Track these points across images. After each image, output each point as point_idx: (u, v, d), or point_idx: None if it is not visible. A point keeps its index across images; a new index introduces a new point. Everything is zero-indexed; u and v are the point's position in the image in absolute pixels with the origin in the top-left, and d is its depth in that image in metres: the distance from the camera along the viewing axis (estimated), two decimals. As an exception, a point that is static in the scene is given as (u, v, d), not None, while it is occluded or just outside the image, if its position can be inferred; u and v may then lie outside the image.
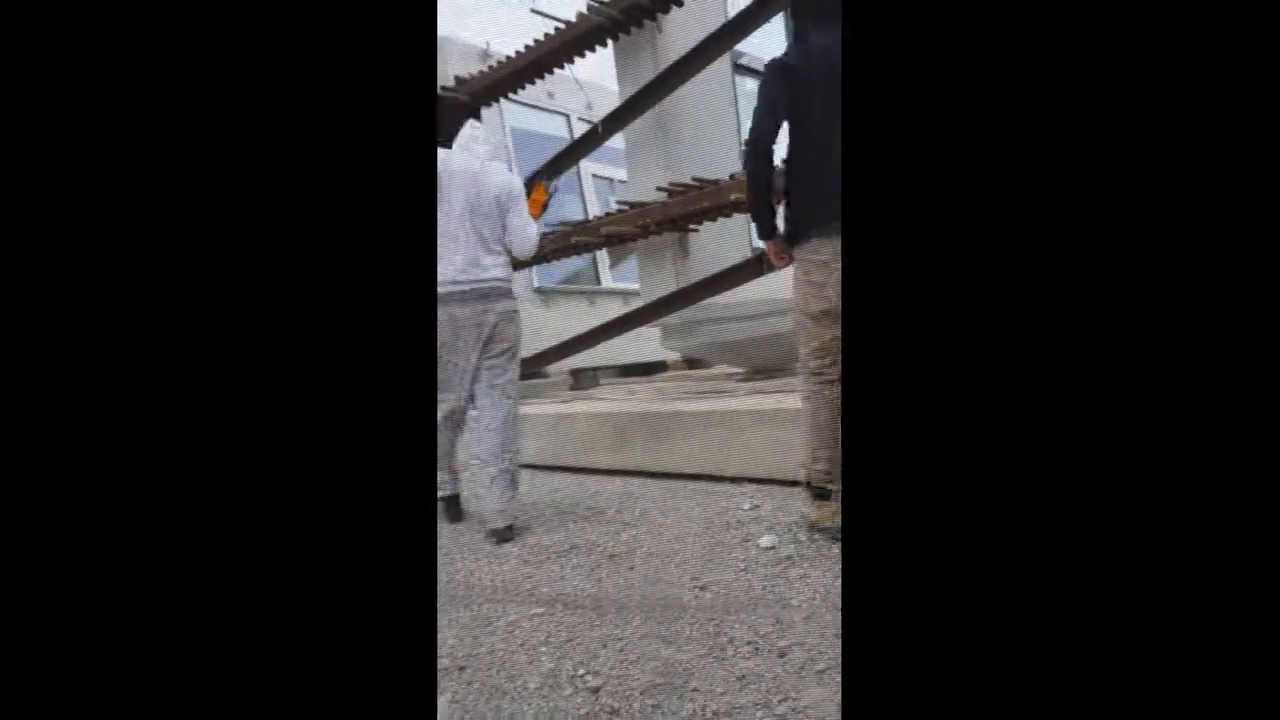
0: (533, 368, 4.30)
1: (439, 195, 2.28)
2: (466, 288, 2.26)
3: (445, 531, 2.48)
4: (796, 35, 1.92)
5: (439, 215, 2.26)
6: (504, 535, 2.26)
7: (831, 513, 1.92)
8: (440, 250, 2.25)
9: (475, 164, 2.35)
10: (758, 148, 1.89)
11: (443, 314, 2.23)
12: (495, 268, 2.32)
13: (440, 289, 2.23)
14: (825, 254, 1.75)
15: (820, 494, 1.95)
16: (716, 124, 3.74)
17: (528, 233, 2.36)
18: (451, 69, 4.79)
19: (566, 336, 4.07)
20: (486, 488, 2.28)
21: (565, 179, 4.89)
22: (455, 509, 2.51)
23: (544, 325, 4.99)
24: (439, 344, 2.27)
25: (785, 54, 1.92)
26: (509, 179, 2.38)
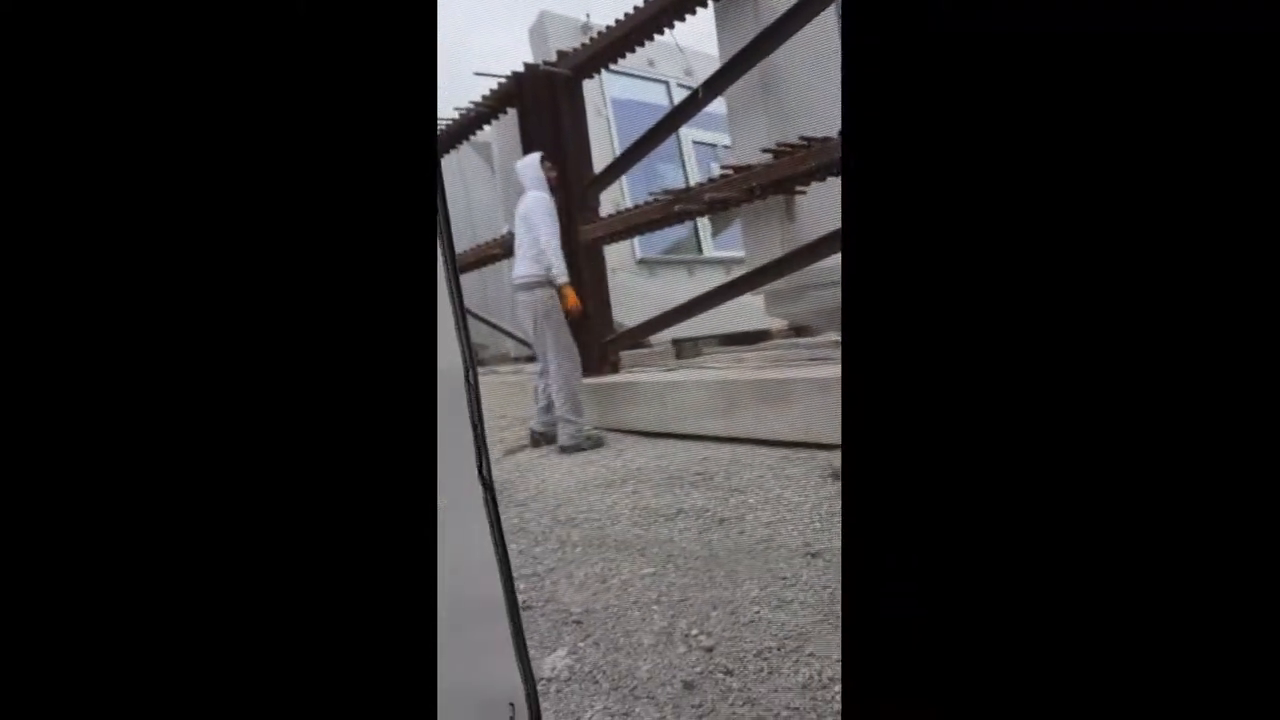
0: (635, 338, 4.34)
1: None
2: (515, 282, 3.44)
3: (560, 494, 2.57)
4: None
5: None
6: (569, 450, 3.33)
7: None
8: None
9: (523, 192, 3.47)
10: None
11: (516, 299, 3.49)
12: (524, 267, 3.38)
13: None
14: None
15: None
16: (824, 80, 3.58)
17: (539, 246, 3.34)
18: (553, 44, 4.84)
19: (669, 307, 4.07)
20: (558, 427, 3.38)
21: (666, 147, 4.85)
22: (545, 439, 3.52)
23: (647, 295, 5.02)
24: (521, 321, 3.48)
25: None
26: (530, 202, 3.40)
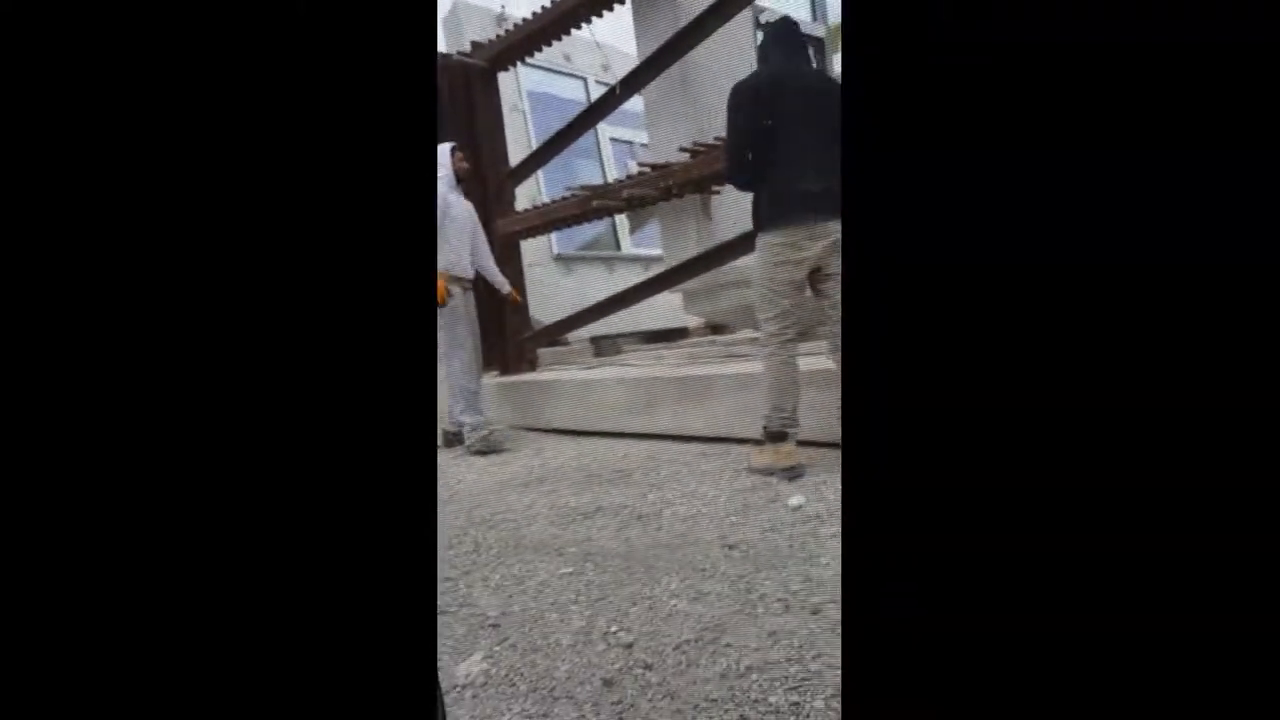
0: (553, 335, 4.30)
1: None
2: None
3: (475, 495, 2.50)
4: (760, 59, 2.38)
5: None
6: (478, 450, 3.26)
7: (787, 453, 2.24)
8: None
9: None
10: (736, 165, 2.31)
11: None
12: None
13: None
14: (795, 237, 2.19)
15: (777, 436, 2.25)
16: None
17: None
18: (468, 34, 4.72)
19: (587, 304, 4.05)
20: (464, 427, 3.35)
21: (583, 142, 4.82)
22: (458, 440, 3.44)
23: (564, 292, 4.98)
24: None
25: (750, 78, 2.30)
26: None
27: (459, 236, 3.35)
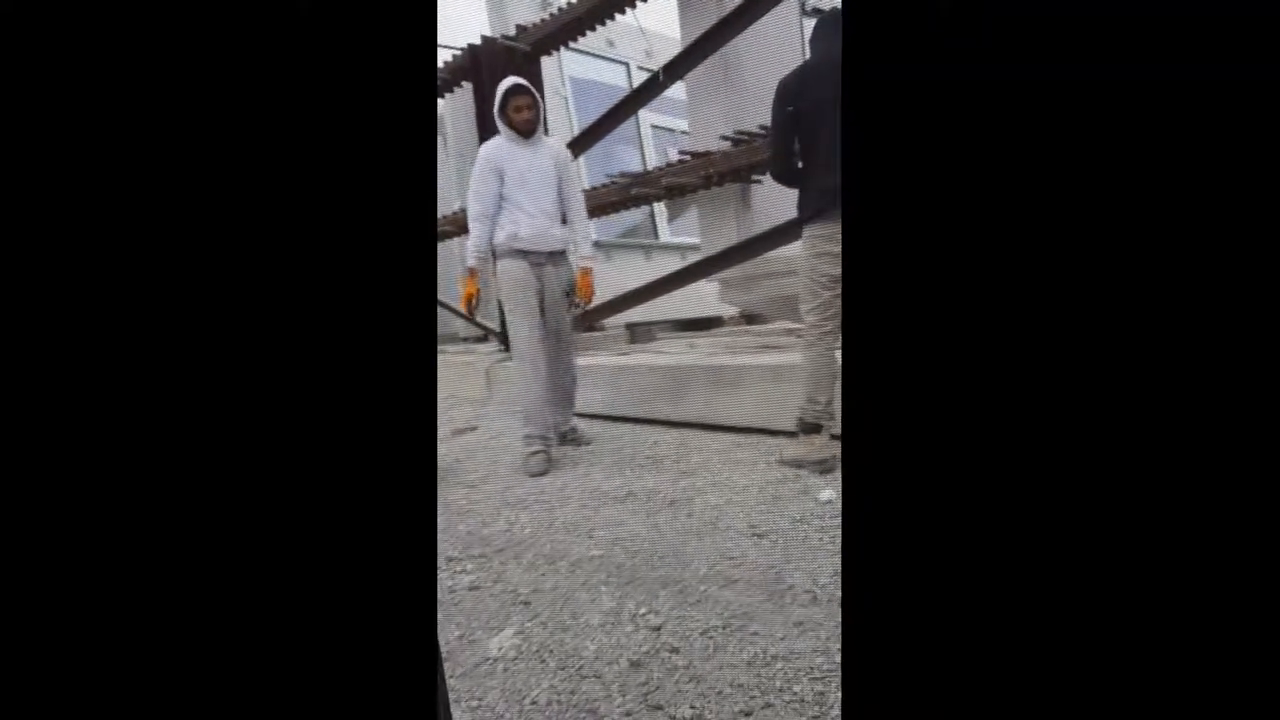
0: (590, 321, 4.33)
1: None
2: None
3: (508, 477, 2.55)
4: (811, 51, 2.37)
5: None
6: (569, 438, 2.90)
7: (820, 446, 2.24)
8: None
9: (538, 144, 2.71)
10: (779, 160, 2.35)
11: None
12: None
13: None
14: (832, 231, 2.23)
15: (811, 428, 2.27)
16: (783, 70, 3.61)
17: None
18: (512, 18, 4.74)
19: (624, 291, 4.07)
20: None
21: (624, 129, 4.82)
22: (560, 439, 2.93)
23: (601, 279, 5.00)
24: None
25: (794, 71, 2.33)
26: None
27: (525, 196, 2.63)
